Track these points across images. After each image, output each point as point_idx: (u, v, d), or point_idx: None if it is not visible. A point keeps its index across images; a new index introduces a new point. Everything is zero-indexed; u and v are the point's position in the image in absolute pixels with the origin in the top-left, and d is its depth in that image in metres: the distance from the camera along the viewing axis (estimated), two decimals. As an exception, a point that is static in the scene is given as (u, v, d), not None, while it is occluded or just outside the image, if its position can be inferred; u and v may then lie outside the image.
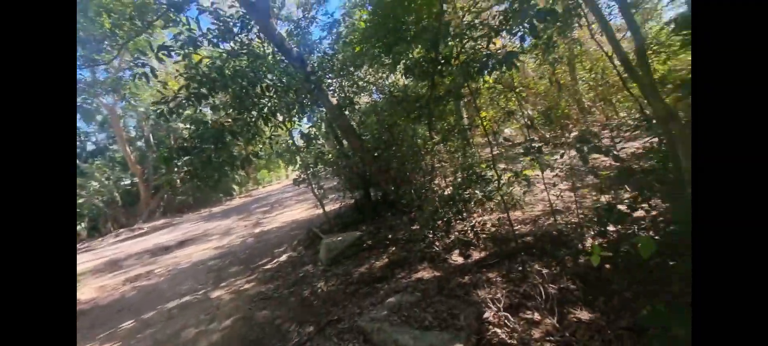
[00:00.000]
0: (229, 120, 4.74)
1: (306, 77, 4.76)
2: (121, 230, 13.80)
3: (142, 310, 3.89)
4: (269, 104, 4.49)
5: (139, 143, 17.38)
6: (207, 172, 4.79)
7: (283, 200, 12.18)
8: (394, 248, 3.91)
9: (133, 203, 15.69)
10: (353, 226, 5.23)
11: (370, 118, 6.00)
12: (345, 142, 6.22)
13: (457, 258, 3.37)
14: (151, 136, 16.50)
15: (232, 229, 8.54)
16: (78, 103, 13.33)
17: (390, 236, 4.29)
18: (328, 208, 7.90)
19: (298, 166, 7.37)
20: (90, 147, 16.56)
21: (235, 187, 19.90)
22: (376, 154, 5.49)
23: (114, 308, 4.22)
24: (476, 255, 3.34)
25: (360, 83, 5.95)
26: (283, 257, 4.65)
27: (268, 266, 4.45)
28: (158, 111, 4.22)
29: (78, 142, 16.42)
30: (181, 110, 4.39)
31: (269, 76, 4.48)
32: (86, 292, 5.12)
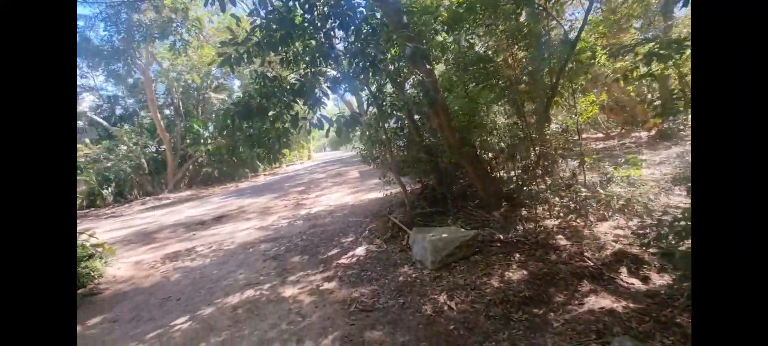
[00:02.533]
0: (300, 77, 3.85)
1: (406, 33, 3.80)
2: (148, 198, 13.38)
3: (195, 302, 3.12)
4: (357, 60, 3.56)
5: (166, 112, 16.91)
6: (267, 138, 3.94)
7: (317, 181, 11.40)
8: (518, 255, 2.99)
9: (159, 171, 15.26)
10: (433, 218, 4.32)
11: (456, 89, 5.01)
12: (416, 117, 5.27)
13: (630, 279, 2.42)
14: (180, 104, 15.95)
15: (269, 208, 7.80)
16: (112, 67, 12.81)
17: (501, 238, 3.37)
18: (380, 193, 7.04)
19: (359, 140, 6.46)
20: (119, 111, 16.14)
21: (259, 164, 19.35)
22: (462, 135, 4.53)
23: (157, 293, 3.48)
24: (655, 277, 2.39)
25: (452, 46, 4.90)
26: (360, 250, 3.79)
27: (343, 261, 3.60)
28: (224, 57, 3.36)
29: (107, 106, 16.05)
30: (246, 60, 3.51)
31: (364, 24, 3.52)
32: (122, 268, 4.43)
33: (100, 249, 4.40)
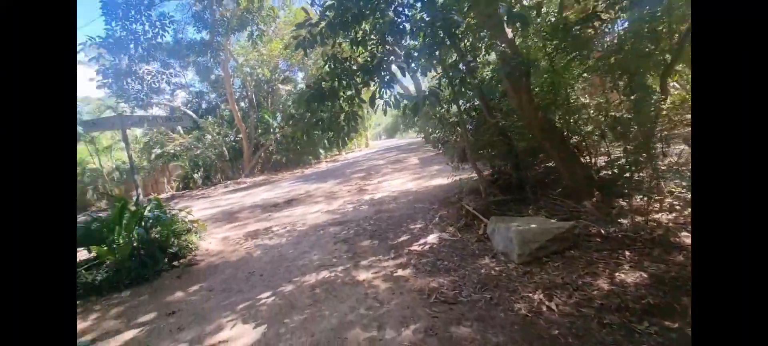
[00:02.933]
0: (370, 57, 3.74)
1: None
2: (229, 181, 14.98)
3: (276, 279, 3.28)
4: (431, 30, 3.30)
5: (241, 104, 18.60)
6: (337, 122, 3.95)
7: (377, 167, 11.48)
8: (628, 253, 2.50)
9: (237, 158, 16.97)
10: (509, 206, 3.93)
11: (538, 63, 4.44)
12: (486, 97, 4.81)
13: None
14: (253, 96, 17.37)
15: (334, 193, 8.04)
16: (199, 60, 14.35)
17: (602, 232, 2.88)
18: (446, 180, 6.73)
19: (420, 125, 6.23)
20: (204, 105, 18.21)
21: (321, 151, 20.31)
22: (545, 115, 3.99)
23: (243, 268, 3.75)
24: None
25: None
26: (432, 238, 3.62)
27: (415, 248, 3.46)
28: (298, 40, 3.39)
29: (195, 100, 18.17)
30: (319, 41, 3.50)
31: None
32: (213, 243, 4.93)
33: (195, 225, 4.94)
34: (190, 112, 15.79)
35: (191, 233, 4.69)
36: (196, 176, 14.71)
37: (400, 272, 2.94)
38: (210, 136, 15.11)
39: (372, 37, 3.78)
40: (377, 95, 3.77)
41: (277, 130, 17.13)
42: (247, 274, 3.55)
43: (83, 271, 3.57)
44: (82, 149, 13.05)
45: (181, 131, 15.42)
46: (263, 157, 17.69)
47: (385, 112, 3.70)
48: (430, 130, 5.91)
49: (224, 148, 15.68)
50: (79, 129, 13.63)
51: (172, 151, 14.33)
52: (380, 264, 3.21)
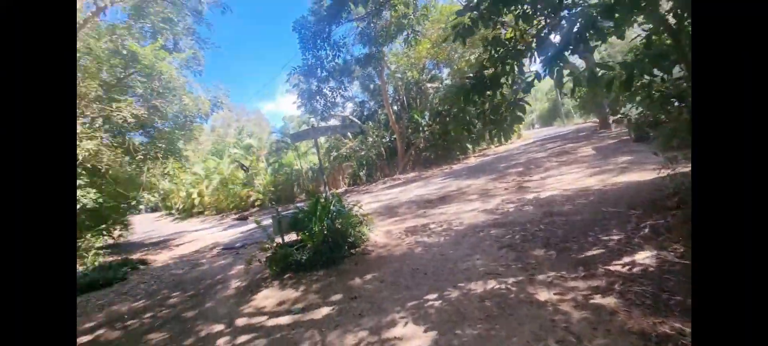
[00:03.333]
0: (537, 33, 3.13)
1: None
2: (386, 178, 16.73)
3: (441, 280, 3.23)
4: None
5: (394, 107, 20.41)
6: (499, 112, 3.52)
7: (537, 161, 10.01)
8: None
9: (392, 156, 18.76)
10: None
11: None
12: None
13: None
14: (404, 99, 18.72)
15: (489, 190, 7.50)
16: (361, 75, 16.67)
17: None
18: (650, 174, 5.06)
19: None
20: (366, 112, 21.08)
21: (468, 146, 19.69)
22: None
23: (408, 263, 3.92)
24: None
25: None
26: (644, 257, 2.69)
27: (617, 268, 2.65)
28: (457, 29, 3.20)
29: (359, 109, 21.22)
30: (480, 24, 3.19)
31: None
32: (379, 235, 5.47)
33: (365, 219, 5.62)
34: (356, 120, 18.55)
35: (363, 226, 5.35)
36: (361, 173, 17.20)
37: (599, 300, 2.28)
38: (371, 139, 17.29)
39: (544, 9, 3.15)
40: (549, 75, 3.12)
41: (425, 128, 17.82)
42: (411, 270, 3.68)
43: (295, 250, 4.64)
44: (290, 155, 17.61)
45: (350, 136, 18.35)
46: (414, 155, 18.80)
47: (573, 90, 3.00)
48: (622, 110, 4.51)
49: (382, 149, 17.61)
50: (288, 140, 18.36)
51: (344, 153, 17.28)
52: (565, 283, 2.61)
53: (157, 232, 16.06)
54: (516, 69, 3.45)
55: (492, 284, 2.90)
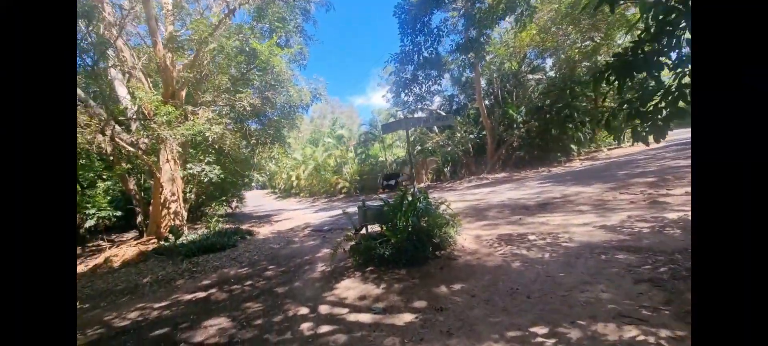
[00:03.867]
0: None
1: None
2: (472, 177, 15.72)
3: (549, 309, 2.61)
4: None
5: (486, 102, 18.95)
6: (652, 100, 2.63)
7: (676, 170, 7.84)
8: None
9: (480, 153, 17.53)
10: None
11: None
12: None
13: None
14: (498, 92, 17.19)
15: (606, 202, 6.13)
16: (451, 69, 15.90)
17: None
18: None
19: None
20: (455, 106, 20.16)
21: (574, 147, 16.97)
22: None
23: (503, 278, 3.36)
24: None
25: None
26: None
27: None
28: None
29: (447, 102, 20.43)
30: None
31: None
32: (467, 240, 4.95)
33: (453, 219, 5.17)
34: (443, 113, 17.89)
35: (450, 227, 4.91)
36: (446, 170, 16.56)
37: None
38: (458, 134, 16.44)
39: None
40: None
41: (521, 125, 16.04)
42: (509, 288, 3.11)
43: (378, 244, 4.52)
44: (376, 147, 18.12)
45: (436, 130, 17.82)
46: (505, 154, 17.18)
47: None
48: None
49: (469, 145, 16.59)
50: (375, 132, 18.91)
51: (429, 147, 16.88)
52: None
53: (263, 207, 18.58)
54: (684, 42, 2.51)
55: (632, 332, 2.16)
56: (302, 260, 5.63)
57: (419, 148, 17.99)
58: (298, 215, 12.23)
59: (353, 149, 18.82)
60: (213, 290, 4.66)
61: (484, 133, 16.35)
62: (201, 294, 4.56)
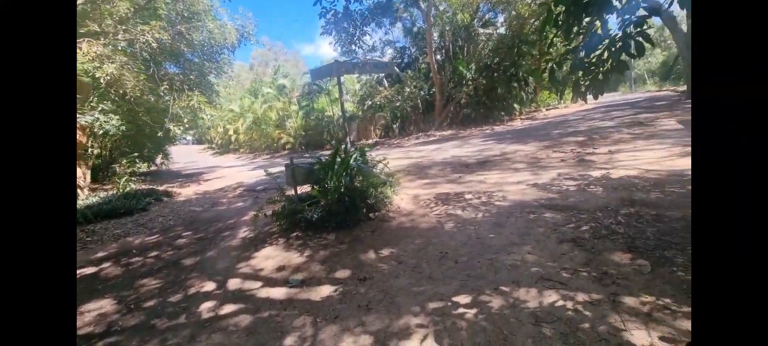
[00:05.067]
0: None
1: None
2: (420, 133, 15.65)
3: (476, 274, 2.45)
4: None
5: (437, 56, 18.46)
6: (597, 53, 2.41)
7: (602, 130, 8.42)
8: None
9: (428, 110, 17.39)
10: None
11: None
12: None
13: None
14: (450, 46, 16.76)
15: (539, 160, 6.33)
16: (403, 16, 14.89)
17: None
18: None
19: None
20: (406, 59, 19.33)
21: (516, 106, 17.68)
22: None
23: (434, 242, 3.18)
24: None
25: None
26: None
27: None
28: None
29: (399, 54, 19.55)
30: None
31: None
32: (404, 200, 4.72)
33: (390, 178, 4.87)
34: (395, 67, 17.11)
35: (387, 187, 4.61)
36: (394, 126, 16.22)
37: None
38: (408, 89, 15.97)
39: None
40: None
41: (470, 82, 16.03)
42: (439, 253, 2.93)
43: (307, 206, 4.05)
44: (322, 100, 16.91)
45: (386, 85, 17.11)
46: (453, 111, 17.29)
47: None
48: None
49: (418, 101, 16.29)
50: (322, 83, 17.53)
51: (378, 102, 16.23)
52: (676, 322, 1.72)
53: (196, 164, 16.73)
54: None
55: (552, 297, 2.06)
56: (224, 224, 4.99)
57: (369, 102, 17.25)
58: (233, 173, 11.13)
59: (297, 102, 17.35)
60: (106, 265, 3.88)
61: (434, 90, 16.09)
62: (89, 270, 3.77)
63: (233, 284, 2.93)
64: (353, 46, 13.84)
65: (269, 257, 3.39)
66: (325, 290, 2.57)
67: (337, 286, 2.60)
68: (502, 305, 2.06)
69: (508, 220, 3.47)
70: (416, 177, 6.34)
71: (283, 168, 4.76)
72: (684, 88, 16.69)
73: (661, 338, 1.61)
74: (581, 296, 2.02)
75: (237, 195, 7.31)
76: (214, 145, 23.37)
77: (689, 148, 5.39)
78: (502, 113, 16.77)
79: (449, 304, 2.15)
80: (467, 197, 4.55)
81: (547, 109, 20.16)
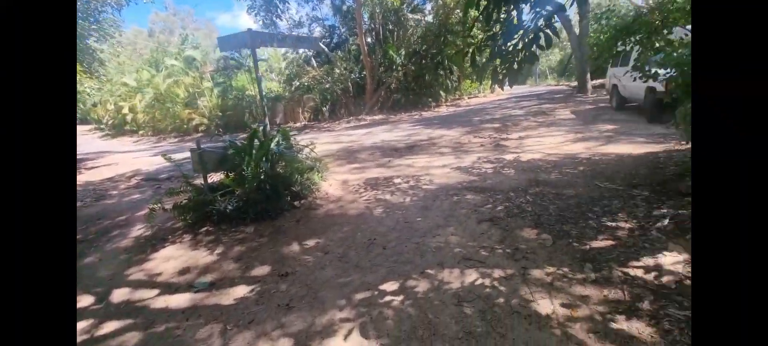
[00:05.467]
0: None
1: None
2: (351, 117, 15.38)
3: (403, 260, 2.44)
4: None
5: (368, 39, 18.21)
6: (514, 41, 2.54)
7: (514, 119, 9.39)
8: None
9: (359, 94, 17.17)
10: None
11: None
12: None
13: None
14: (380, 29, 16.64)
15: (463, 144, 6.75)
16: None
17: None
18: (634, 148, 4.57)
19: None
20: (336, 39, 18.60)
21: (442, 93, 18.65)
22: None
23: (363, 229, 3.08)
24: None
25: None
26: (668, 260, 2.05)
27: (639, 274, 2.00)
28: None
29: (328, 34, 18.70)
30: None
31: None
32: (333, 185, 4.52)
33: (318, 163, 4.60)
34: (323, 46, 16.32)
35: (314, 172, 4.34)
36: (324, 109, 15.60)
37: (624, 325, 1.60)
38: (338, 71, 15.46)
39: None
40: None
41: (399, 67, 16.25)
42: (367, 240, 2.84)
43: (219, 196, 3.55)
44: (242, 77, 15.24)
45: (315, 65, 16.26)
46: (384, 96, 17.41)
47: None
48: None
49: (349, 84, 15.92)
50: (241, 58, 15.77)
51: (306, 83, 15.34)
52: (571, 289, 1.93)
53: (79, 149, 13.60)
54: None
55: (472, 276, 2.15)
56: (112, 222, 4.11)
57: (297, 83, 16.19)
58: (128, 159, 9.34)
59: (211, 78, 15.28)
60: None
61: (365, 73, 15.89)
62: None
63: (119, 295, 2.39)
64: (276, 19, 12.70)
65: (170, 258, 2.87)
66: (240, 291, 2.26)
67: (253, 285, 2.32)
68: (428, 288, 2.07)
69: (434, 203, 3.56)
70: (346, 162, 6.16)
71: (188, 153, 4.08)
72: (575, 83, 19.70)
73: (562, 305, 1.79)
74: (497, 273, 2.15)
75: (132, 186, 6.14)
76: (103, 126, 19.32)
77: (580, 135, 6.35)
78: (430, 100, 17.51)
79: (376, 293, 2.08)
80: (396, 181, 4.57)
81: (469, 98, 21.78)
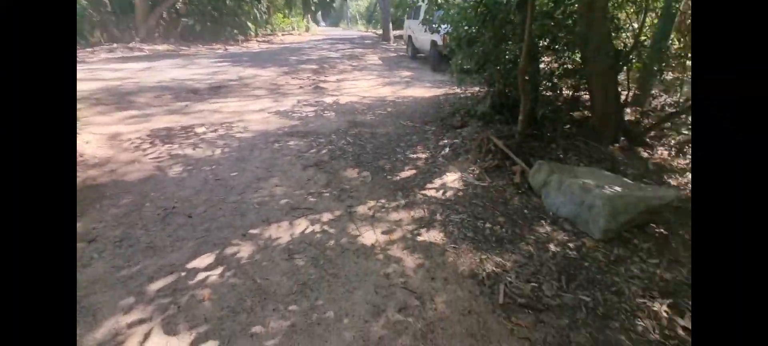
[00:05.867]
0: None
1: None
2: (115, 44, 11.01)
3: (218, 224, 2.02)
4: None
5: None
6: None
7: (331, 61, 9.47)
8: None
9: (125, 12, 12.32)
10: (529, 144, 3.11)
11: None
12: None
13: None
14: None
15: (280, 86, 6.23)
16: None
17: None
18: (434, 91, 5.64)
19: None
20: None
21: (251, 26, 16.27)
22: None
23: (154, 196, 2.33)
24: None
25: None
26: (452, 180, 2.66)
27: (432, 193, 2.48)
28: None
29: None
30: None
31: None
32: (92, 141, 3.14)
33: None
34: None
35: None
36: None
37: (426, 236, 1.98)
38: (78, -31, 10.28)
39: None
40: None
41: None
42: (162, 211, 2.16)
43: None
44: None
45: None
46: (167, 20, 13.32)
47: None
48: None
49: (106, -5, 11.04)
50: None
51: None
52: (389, 216, 2.19)
53: None
54: None
55: (302, 225, 2.05)
56: None
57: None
58: None
59: None
60: None
61: (132, -20, 11.34)
62: None
63: None
64: None
65: None
66: None
67: None
68: (253, 250, 1.81)
69: (252, 153, 3.13)
70: (115, 108, 4.40)
71: None
72: (381, 32, 21.85)
73: (383, 233, 2.00)
74: (326, 216, 2.15)
75: None
76: None
77: (387, 80, 7.17)
78: (236, 32, 14.93)
79: (183, 274, 1.63)
80: (199, 130, 3.68)
81: (283, 35, 20.11)
